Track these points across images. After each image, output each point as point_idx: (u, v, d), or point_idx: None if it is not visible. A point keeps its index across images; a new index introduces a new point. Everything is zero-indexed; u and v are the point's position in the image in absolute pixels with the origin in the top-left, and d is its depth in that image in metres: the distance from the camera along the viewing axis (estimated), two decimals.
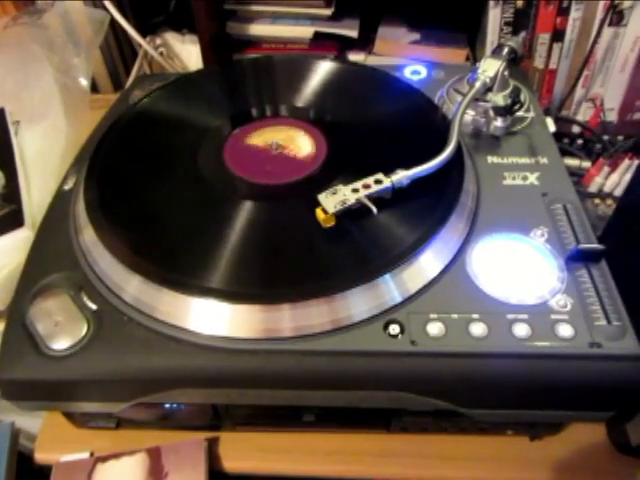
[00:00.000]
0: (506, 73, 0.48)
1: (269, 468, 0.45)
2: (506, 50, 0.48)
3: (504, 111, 0.46)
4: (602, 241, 0.41)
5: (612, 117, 0.71)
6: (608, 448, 0.44)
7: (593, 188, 0.59)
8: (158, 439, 0.44)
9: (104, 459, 0.43)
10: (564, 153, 0.49)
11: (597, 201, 0.58)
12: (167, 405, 0.42)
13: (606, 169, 0.58)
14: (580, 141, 0.65)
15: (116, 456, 0.43)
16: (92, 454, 0.44)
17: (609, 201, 0.58)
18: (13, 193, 0.52)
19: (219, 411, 0.43)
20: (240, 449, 0.45)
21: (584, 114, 0.71)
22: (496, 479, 0.44)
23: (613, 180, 0.58)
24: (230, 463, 0.45)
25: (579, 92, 0.69)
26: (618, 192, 0.58)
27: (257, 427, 0.45)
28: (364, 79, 0.54)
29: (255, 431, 0.46)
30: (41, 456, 0.45)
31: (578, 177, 0.60)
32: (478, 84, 0.46)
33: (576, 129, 0.68)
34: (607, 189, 0.59)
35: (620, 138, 0.64)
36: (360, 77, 0.54)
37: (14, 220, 0.50)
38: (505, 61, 0.47)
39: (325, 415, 0.43)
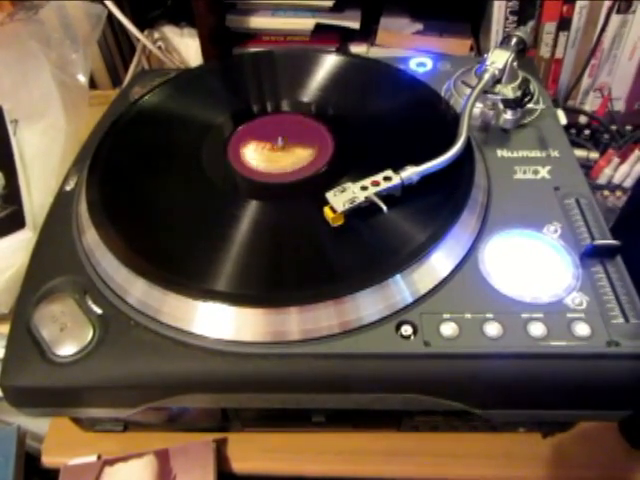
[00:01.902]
0: (515, 64, 0.46)
1: (278, 469, 0.44)
2: (514, 40, 0.47)
3: (514, 103, 0.45)
4: (613, 233, 0.40)
5: (619, 106, 0.70)
6: (621, 444, 0.43)
7: (602, 180, 0.58)
8: (166, 441, 0.44)
9: (112, 462, 0.43)
10: (571, 144, 0.48)
11: (606, 193, 0.58)
12: (175, 408, 0.42)
13: (615, 160, 0.57)
14: (587, 132, 0.64)
15: (124, 459, 0.43)
16: (99, 457, 0.44)
17: (618, 193, 0.57)
18: (13, 194, 0.52)
19: (228, 413, 0.42)
20: (249, 450, 0.45)
21: (591, 104, 0.70)
22: (508, 476, 0.43)
23: (623, 171, 0.57)
24: (239, 464, 0.44)
25: (586, 81, 0.69)
26: (628, 184, 0.57)
27: (266, 428, 0.45)
28: (370, 73, 0.52)
29: (264, 432, 0.45)
30: (48, 460, 0.45)
31: (586, 169, 0.59)
32: (487, 76, 0.45)
33: (583, 119, 0.67)
34: (616, 181, 0.58)
35: (628, 128, 0.63)
36: (366, 71, 0.53)
37: (15, 221, 0.50)
38: (514, 52, 0.46)
39: (335, 416, 0.42)
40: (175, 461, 0.42)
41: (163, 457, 0.43)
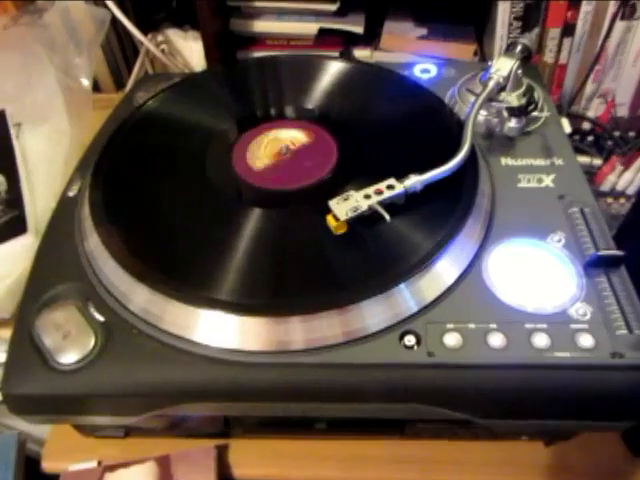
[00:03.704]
0: (519, 72, 0.46)
1: (280, 475, 0.44)
2: (519, 48, 0.47)
3: (518, 111, 0.45)
4: (616, 241, 0.40)
5: (623, 112, 0.70)
6: (623, 452, 0.43)
7: (605, 187, 0.58)
8: (167, 447, 0.44)
9: (112, 468, 0.43)
10: (575, 150, 0.48)
11: (609, 200, 0.57)
12: (177, 414, 0.41)
13: (619, 167, 0.57)
14: (591, 138, 0.64)
15: (125, 465, 0.43)
16: (100, 463, 0.44)
17: (622, 200, 0.57)
18: (16, 198, 0.51)
19: (229, 419, 0.42)
20: (250, 456, 0.44)
21: (595, 110, 0.69)
22: None
23: (626, 178, 0.57)
24: (240, 470, 0.44)
25: (590, 87, 0.68)
26: (631, 191, 0.57)
27: (268, 434, 0.45)
28: (374, 79, 0.52)
29: (266, 438, 0.45)
30: (49, 465, 0.45)
31: (590, 175, 0.59)
32: (491, 84, 0.45)
33: (586, 125, 0.67)
34: (620, 187, 0.58)
35: (631, 134, 0.63)
36: (370, 77, 0.52)
37: (17, 226, 0.49)
38: (519, 59, 0.46)
39: (337, 422, 0.42)
40: (176, 467, 0.42)
41: (164, 463, 0.43)
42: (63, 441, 0.45)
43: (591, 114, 0.69)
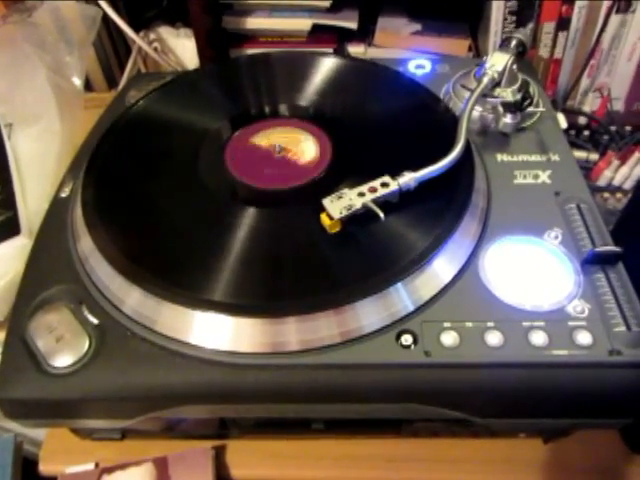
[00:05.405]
0: (514, 67, 0.46)
1: (278, 475, 0.44)
2: (514, 43, 0.47)
3: (514, 107, 0.44)
4: (613, 237, 0.40)
5: (618, 106, 0.70)
6: (621, 448, 0.43)
7: (602, 182, 0.58)
8: (164, 448, 0.43)
9: (110, 470, 0.43)
10: (571, 145, 0.48)
11: (606, 195, 0.57)
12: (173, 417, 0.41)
13: (615, 162, 0.57)
14: (587, 132, 0.63)
15: (122, 467, 0.43)
16: (97, 465, 0.43)
17: (618, 195, 0.57)
18: (8, 199, 0.51)
19: (226, 420, 0.42)
20: (248, 456, 0.44)
21: (590, 104, 0.69)
22: None
23: (623, 173, 0.57)
24: (238, 471, 0.44)
25: (585, 82, 0.68)
26: (628, 185, 0.57)
27: (264, 435, 0.45)
28: (369, 76, 0.52)
29: (263, 438, 0.45)
30: (46, 468, 0.44)
31: (586, 170, 0.59)
32: (486, 79, 0.45)
33: (582, 120, 0.66)
34: (616, 182, 0.58)
35: (627, 128, 0.63)
36: (365, 74, 0.52)
37: (10, 228, 0.49)
38: (513, 55, 0.46)
39: (334, 422, 0.42)
40: (174, 469, 0.42)
41: (161, 465, 0.42)
42: (60, 443, 0.45)
43: (586, 109, 0.69)
